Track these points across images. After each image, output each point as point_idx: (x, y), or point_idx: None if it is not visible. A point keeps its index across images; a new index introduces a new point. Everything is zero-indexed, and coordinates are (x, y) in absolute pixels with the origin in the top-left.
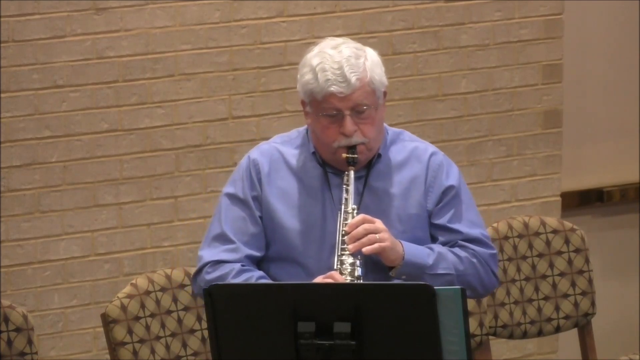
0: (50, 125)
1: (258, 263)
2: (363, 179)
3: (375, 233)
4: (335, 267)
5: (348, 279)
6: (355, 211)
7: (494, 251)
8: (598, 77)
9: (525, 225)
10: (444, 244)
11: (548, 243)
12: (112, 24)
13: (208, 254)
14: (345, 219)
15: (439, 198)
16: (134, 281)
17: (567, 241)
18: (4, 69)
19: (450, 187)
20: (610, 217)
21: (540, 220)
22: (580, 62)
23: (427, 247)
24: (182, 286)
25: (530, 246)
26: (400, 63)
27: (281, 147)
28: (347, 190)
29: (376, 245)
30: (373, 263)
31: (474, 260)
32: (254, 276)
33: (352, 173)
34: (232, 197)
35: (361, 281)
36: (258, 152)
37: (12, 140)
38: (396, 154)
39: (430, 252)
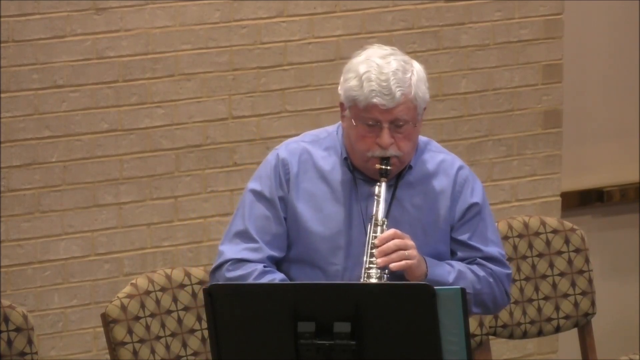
0: (50, 125)
1: (277, 264)
2: (392, 189)
3: (405, 250)
4: (362, 279)
5: None
6: (385, 224)
7: (510, 271)
8: (598, 77)
9: (525, 225)
10: (461, 259)
11: (548, 243)
12: (112, 24)
13: (229, 250)
14: (375, 231)
15: (462, 214)
16: (134, 281)
17: (567, 241)
18: (4, 69)
19: (475, 205)
20: (610, 217)
21: (540, 220)
22: (580, 62)
23: (448, 264)
24: (182, 286)
25: (530, 246)
26: None
27: (310, 147)
28: (377, 202)
29: (403, 262)
30: (395, 277)
31: (491, 280)
32: (277, 279)
33: (383, 185)
34: (258, 195)
35: None
36: (287, 151)
37: (12, 140)
38: (425, 165)
39: (451, 270)
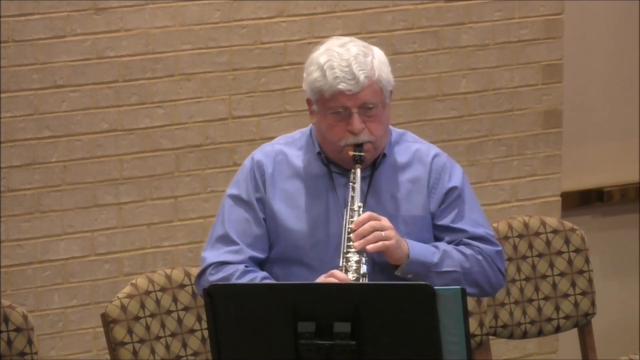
0: (50, 125)
1: (261, 265)
2: (367, 179)
3: (382, 230)
4: (340, 265)
5: (353, 277)
6: (361, 209)
7: (500, 248)
8: (598, 77)
9: (525, 225)
10: (449, 243)
11: (548, 243)
12: (112, 24)
13: (211, 255)
14: (351, 217)
15: (442, 200)
16: (134, 281)
17: (567, 241)
18: (4, 69)
19: (453, 189)
20: (610, 217)
21: (540, 220)
22: (580, 62)
23: (432, 245)
24: (182, 286)
25: (530, 246)
26: (400, 63)
27: (285, 149)
28: (353, 189)
29: (380, 243)
30: (379, 263)
31: (480, 257)
32: (258, 277)
33: (358, 171)
34: (236, 199)
35: (367, 279)
36: (262, 154)
37: (12, 140)
38: (400, 155)
39: (435, 250)
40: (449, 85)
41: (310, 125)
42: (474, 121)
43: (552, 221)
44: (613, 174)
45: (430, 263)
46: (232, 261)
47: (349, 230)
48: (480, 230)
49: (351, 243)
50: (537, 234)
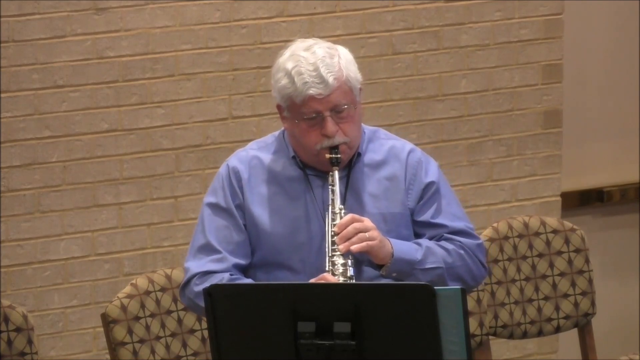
0: (50, 125)
1: (244, 271)
2: (345, 180)
3: (365, 232)
4: (326, 269)
5: (340, 280)
6: (343, 211)
7: (480, 241)
8: (598, 77)
9: (525, 225)
10: (430, 239)
11: (548, 243)
12: (112, 24)
13: (195, 265)
14: (333, 220)
15: (420, 195)
16: (134, 281)
17: (567, 241)
18: (4, 69)
19: (431, 184)
20: (610, 217)
21: (540, 220)
22: (580, 62)
23: (415, 243)
24: None
25: (530, 246)
26: (400, 63)
27: (259, 153)
28: (332, 191)
29: (364, 243)
30: (362, 262)
31: (462, 252)
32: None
33: (336, 173)
34: (215, 207)
35: (354, 281)
36: (236, 160)
37: (12, 140)
38: (375, 153)
39: (418, 248)
40: (449, 85)
41: (282, 128)
42: (474, 121)
43: (552, 221)
44: (613, 174)
45: (414, 261)
46: (216, 270)
47: (332, 233)
48: (460, 224)
49: (335, 246)
50: (537, 234)
